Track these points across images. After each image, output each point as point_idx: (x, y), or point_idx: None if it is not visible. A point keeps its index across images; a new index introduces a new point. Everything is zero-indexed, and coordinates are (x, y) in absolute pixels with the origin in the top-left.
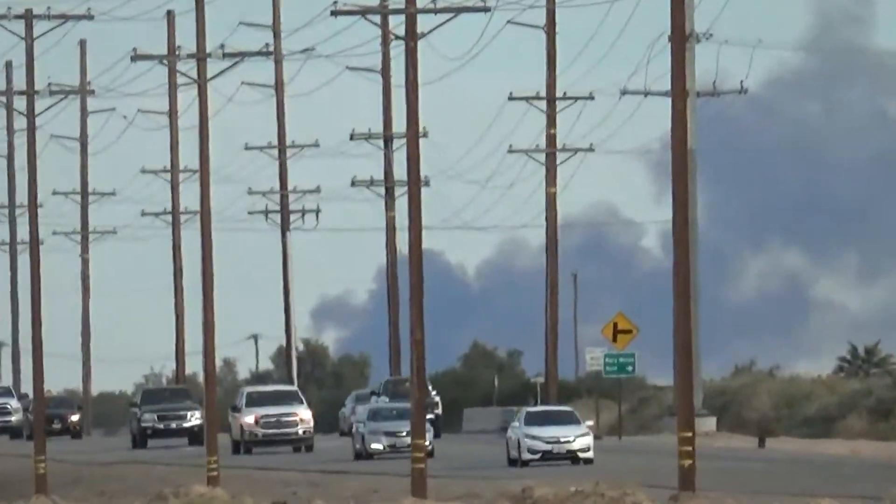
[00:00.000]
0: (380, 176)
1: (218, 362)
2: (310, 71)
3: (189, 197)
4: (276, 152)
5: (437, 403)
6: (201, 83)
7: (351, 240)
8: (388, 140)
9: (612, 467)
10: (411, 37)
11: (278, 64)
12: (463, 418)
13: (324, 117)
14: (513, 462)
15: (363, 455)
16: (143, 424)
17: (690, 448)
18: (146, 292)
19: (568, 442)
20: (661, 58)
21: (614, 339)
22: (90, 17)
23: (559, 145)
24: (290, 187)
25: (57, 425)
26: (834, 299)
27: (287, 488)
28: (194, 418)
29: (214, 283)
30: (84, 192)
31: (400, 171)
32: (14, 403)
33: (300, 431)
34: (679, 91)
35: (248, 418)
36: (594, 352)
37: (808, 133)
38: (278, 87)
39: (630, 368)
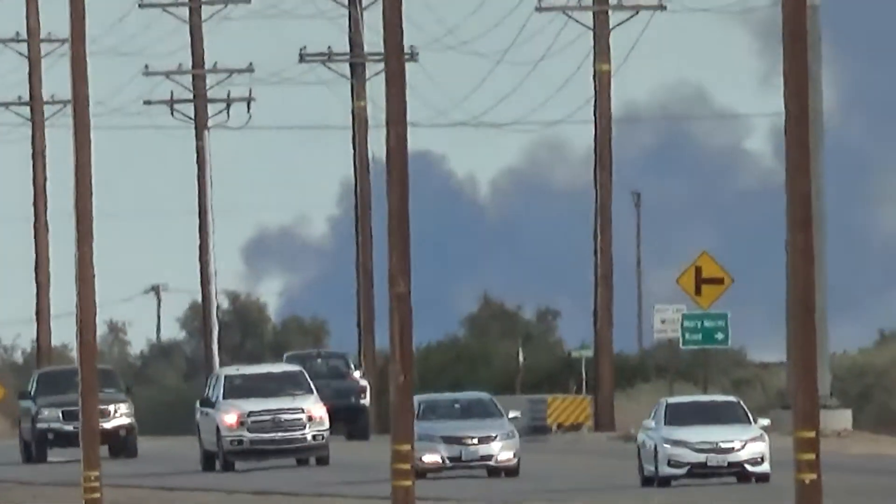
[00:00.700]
0: (342, 46)
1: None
2: None
3: (55, 79)
4: (185, 11)
5: (364, 389)
6: None
7: (300, 142)
8: None
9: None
10: None
11: None
12: None
13: None
14: (647, 480)
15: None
16: (40, 426)
17: (814, 456)
18: None
19: (731, 450)
20: None
21: (697, 293)
22: None
23: (613, 0)
24: (207, 64)
25: None
26: None
27: None
28: (120, 415)
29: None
30: None
31: (373, 38)
32: None
33: (309, 436)
34: None
35: (229, 416)
36: (666, 311)
37: None
38: None
39: (720, 336)
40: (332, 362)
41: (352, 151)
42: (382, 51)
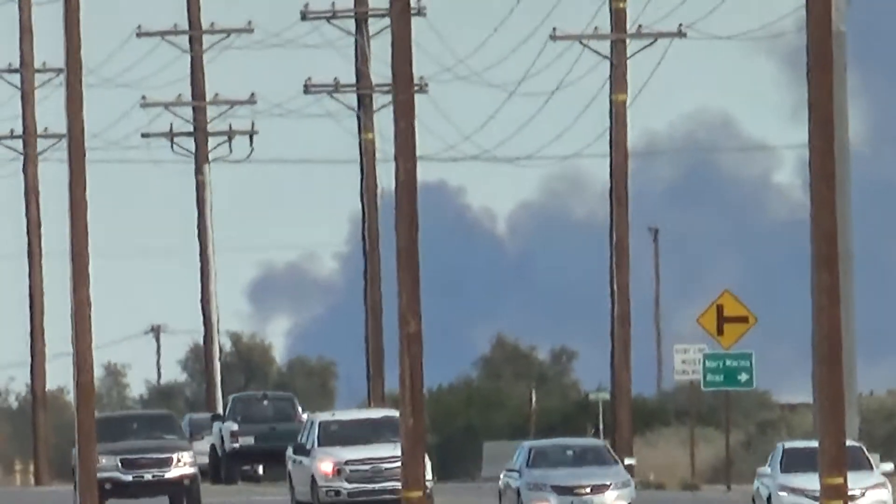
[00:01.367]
0: (349, 77)
1: (98, 369)
2: None
3: (49, 111)
4: (184, 39)
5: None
6: None
7: (306, 176)
8: (361, 20)
9: None
10: None
11: None
12: (483, 456)
13: None
14: None
15: None
16: (101, 475)
17: (841, 502)
18: None
19: (852, 497)
20: None
21: (719, 333)
22: None
23: (630, 27)
24: (208, 95)
25: None
26: None
27: None
28: (183, 463)
29: (89, 243)
30: None
31: (381, 68)
32: None
33: None
34: None
35: (324, 465)
36: (687, 351)
37: None
38: None
39: (744, 378)
40: (279, 404)
41: (360, 186)
42: (391, 82)
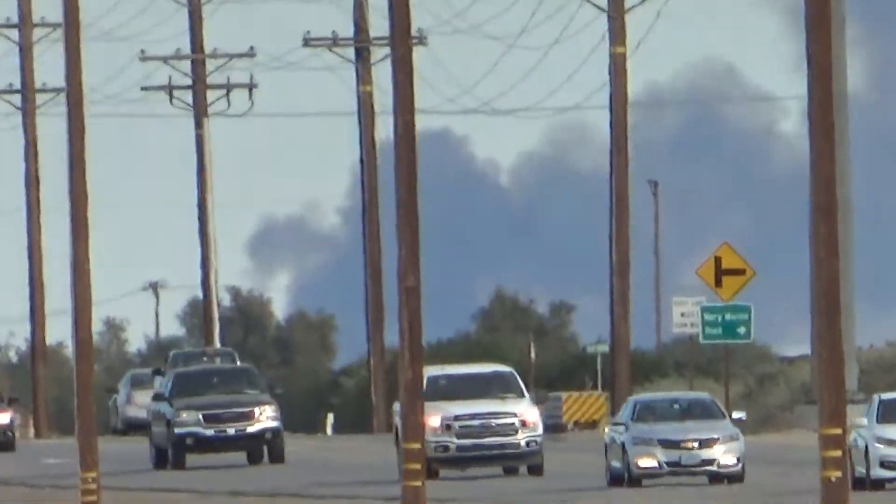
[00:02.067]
0: (347, 31)
1: (97, 324)
2: None
3: (48, 66)
4: None
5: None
6: None
7: (305, 129)
8: None
9: None
10: None
11: None
12: None
13: None
14: (858, 482)
15: (623, 478)
16: (179, 431)
17: (839, 453)
18: None
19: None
20: None
21: (717, 285)
22: None
23: None
24: (207, 49)
25: None
26: None
27: None
28: (266, 418)
29: (89, 199)
30: None
31: (379, 21)
32: None
33: (522, 442)
34: None
35: (433, 420)
36: (686, 304)
37: None
38: None
39: (743, 330)
40: (220, 361)
41: (359, 139)
42: (389, 34)
